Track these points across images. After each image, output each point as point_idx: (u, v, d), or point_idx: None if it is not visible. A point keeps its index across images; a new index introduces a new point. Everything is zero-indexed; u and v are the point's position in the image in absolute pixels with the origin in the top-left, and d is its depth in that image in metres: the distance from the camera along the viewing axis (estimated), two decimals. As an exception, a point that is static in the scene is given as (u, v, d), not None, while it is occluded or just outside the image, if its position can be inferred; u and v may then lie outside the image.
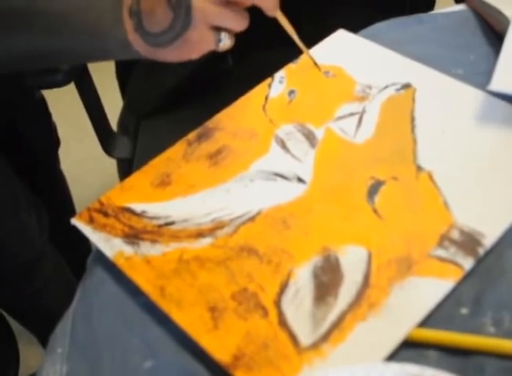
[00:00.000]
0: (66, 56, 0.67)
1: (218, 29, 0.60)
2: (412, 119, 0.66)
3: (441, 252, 0.54)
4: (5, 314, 1.14)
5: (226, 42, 0.62)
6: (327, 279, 0.54)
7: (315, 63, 0.73)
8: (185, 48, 0.61)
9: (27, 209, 1.03)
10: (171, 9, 0.58)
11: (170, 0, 0.58)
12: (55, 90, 0.98)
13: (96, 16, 0.62)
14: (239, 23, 0.60)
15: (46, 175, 1.23)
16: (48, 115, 1.19)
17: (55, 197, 1.29)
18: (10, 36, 0.63)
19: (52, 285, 1.16)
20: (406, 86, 0.70)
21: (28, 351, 1.32)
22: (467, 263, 0.53)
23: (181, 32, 0.59)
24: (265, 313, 0.52)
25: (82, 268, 0.62)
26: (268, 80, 0.74)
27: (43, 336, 1.27)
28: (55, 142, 1.23)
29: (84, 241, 1.29)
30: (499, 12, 0.74)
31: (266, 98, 0.72)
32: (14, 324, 1.18)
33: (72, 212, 1.32)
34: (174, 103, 1.01)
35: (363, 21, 0.80)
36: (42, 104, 1.17)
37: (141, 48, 0.62)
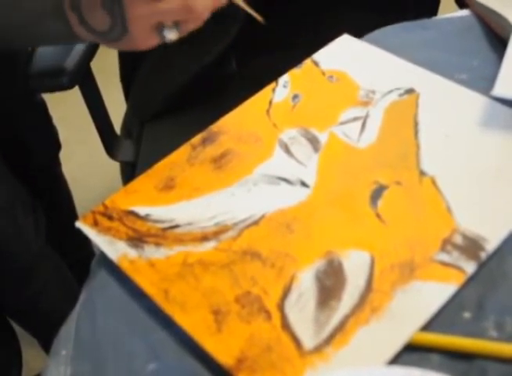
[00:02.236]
0: (12, 43, 0.68)
1: (161, 24, 0.60)
2: (416, 124, 0.66)
3: (443, 257, 0.54)
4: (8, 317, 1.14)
5: (171, 36, 0.60)
6: (330, 283, 0.54)
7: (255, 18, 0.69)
8: (131, 45, 0.62)
9: (24, 211, 1.03)
10: (107, 14, 0.58)
11: (104, 4, 0.58)
12: (59, 93, 0.98)
13: (40, 7, 0.62)
14: (180, 16, 0.58)
15: (46, 178, 1.24)
16: (48, 118, 1.19)
17: (56, 200, 1.29)
18: None
19: (51, 287, 1.16)
20: (410, 91, 0.70)
21: (30, 353, 1.32)
22: (470, 267, 0.53)
23: (121, 35, 0.60)
24: (269, 317, 0.52)
25: (84, 271, 0.63)
26: (273, 84, 0.74)
27: (43, 338, 1.27)
28: (56, 146, 1.23)
29: (86, 244, 1.30)
30: (503, 18, 0.74)
31: (270, 102, 0.72)
32: (16, 327, 1.19)
33: (73, 215, 1.32)
34: (178, 106, 1.02)
35: (367, 26, 0.80)
36: (42, 107, 1.17)
37: (88, 38, 0.62)
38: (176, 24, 0.60)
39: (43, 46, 0.70)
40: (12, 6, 0.63)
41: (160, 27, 0.60)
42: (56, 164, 1.26)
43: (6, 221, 0.99)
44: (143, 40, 0.61)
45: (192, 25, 0.61)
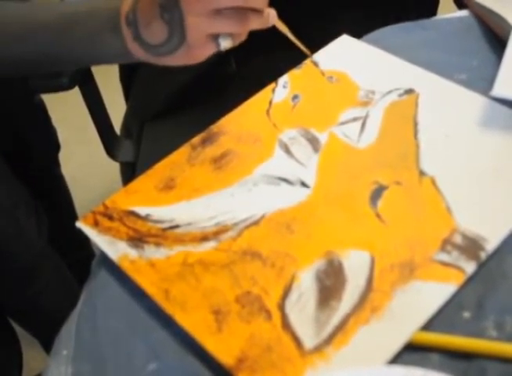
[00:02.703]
0: (65, 64, 0.68)
1: (215, 34, 0.60)
2: (415, 124, 0.67)
3: (443, 256, 0.54)
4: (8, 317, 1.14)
5: (226, 44, 0.61)
6: (330, 283, 0.54)
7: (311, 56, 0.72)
8: (186, 57, 0.62)
9: (26, 212, 1.03)
10: (165, 25, 0.59)
11: (163, 15, 0.58)
12: (59, 93, 0.98)
13: (95, 26, 0.62)
14: (236, 26, 0.60)
15: (46, 179, 1.24)
16: (47, 119, 1.19)
17: (56, 200, 1.29)
18: (10, 42, 0.64)
19: (52, 288, 1.16)
20: (409, 91, 0.70)
21: (31, 353, 1.32)
22: (469, 267, 0.53)
23: (178, 46, 0.60)
24: (269, 316, 0.52)
25: (84, 271, 0.63)
26: (272, 85, 0.74)
27: (43, 338, 1.27)
28: (55, 146, 1.23)
29: (86, 245, 1.30)
30: (502, 18, 0.74)
31: (270, 103, 0.72)
32: (17, 327, 1.19)
33: (73, 216, 1.32)
34: (178, 107, 1.02)
35: (367, 27, 0.80)
36: (41, 108, 1.17)
37: (141, 55, 0.62)
38: (231, 33, 0.61)
39: (95, 65, 0.71)
40: (67, 28, 0.64)
41: (215, 36, 0.61)
42: (56, 164, 1.26)
43: (8, 221, 0.99)
44: (199, 49, 0.61)
45: (244, 36, 0.62)
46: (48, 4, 0.66)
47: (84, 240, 0.62)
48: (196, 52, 0.61)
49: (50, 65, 0.68)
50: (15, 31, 0.64)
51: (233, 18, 0.59)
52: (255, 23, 0.60)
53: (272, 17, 0.62)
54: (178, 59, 0.62)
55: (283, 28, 0.66)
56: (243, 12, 0.59)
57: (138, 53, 0.62)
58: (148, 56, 0.62)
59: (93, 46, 0.64)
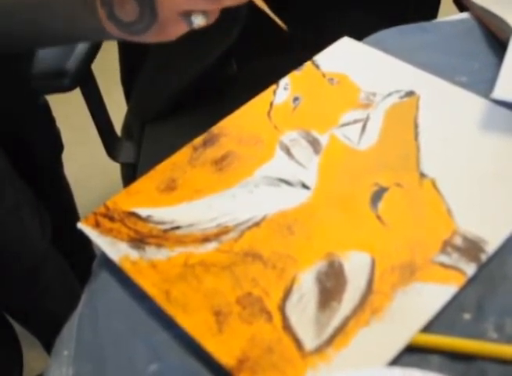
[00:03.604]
0: (43, 41, 0.70)
1: (188, 12, 0.60)
2: (416, 126, 0.67)
3: (444, 258, 0.55)
4: (8, 317, 1.14)
5: (199, 22, 0.61)
6: (331, 284, 0.54)
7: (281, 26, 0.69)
8: (159, 35, 0.62)
9: (30, 212, 1.04)
10: (137, 3, 0.59)
11: None
12: (60, 94, 0.98)
13: (71, 4, 0.63)
14: (208, 3, 0.59)
15: (49, 180, 1.24)
16: (51, 120, 1.19)
17: (59, 201, 1.29)
18: None
19: (55, 288, 1.17)
20: (410, 93, 0.70)
21: (31, 353, 1.32)
22: (470, 269, 0.53)
23: (150, 24, 0.60)
24: (270, 318, 0.52)
25: (86, 272, 0.63)
26: (273, 86, 0.74)
27: (45, 339, 1.27)
28: (59, 147, 1.23)
29: (88, 246, 1.30)
30: (503, 21, 0.74)
31: (271, 104, 0.72)
32: (17, 327, 1.19)
33: (75, 216, 1.32)
34: (179, 108, 1.02)
35: (367, 29, 0.81)
36: (45, 109, 1.17)
37: (116, 33, 0.63)
38: (203, 11, 0.60)
39: (71, 43, 0.72)
40: (42, 7, 0.64)
41: (187, 14, 0.60)
42: (59, 165, 1.26)
43: (13, 222, 0.99)
44: (172, 28, 0.61)
45: (217, 13, 0.61)
46: None
47: (86, 241, 0.62)
48: (169, 30, 0.62)
49: (26, 42, 0.69)
50: None
51: None
52: (229, 0, 0.59)
53: None
54: (151, 37, 0.62)
55: (261, 3, 0.64)
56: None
57: (113, 31, 0.63)
58: (122, 34, 0.63)
59: (69, 24, 0.65)
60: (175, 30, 0.62)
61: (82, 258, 1.21)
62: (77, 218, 0.62)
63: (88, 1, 0.62)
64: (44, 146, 1.16)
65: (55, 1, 0.64)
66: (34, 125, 1.13)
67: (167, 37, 0.63)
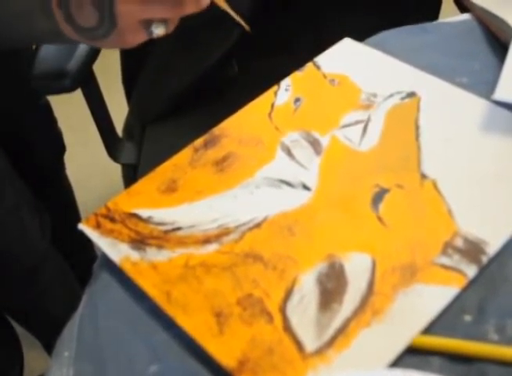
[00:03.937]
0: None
1: (148, 20, 0.59)
2: (417, 127, 0.67)
3: (444, 260, 0.54)
4: (9, 318, 1.15)
5: (159, 31, 0.60)
6: (332, 285, 0.54)
7: (239, 20, 0.68)
8: (118, 42, 0.61)
9: (29, 213, 1.04)
10: (96, 10, 0.58)
11: (94, 0, 0.57)
12: (61, 95, 0.98)
13: (25, 5, 0.62)
14: (169, 12, 0.58)
15: (51, 181, 1.24)
16: (53, 121, 1.19)
17: (60, 202, 1.29)
18: None
19: (55, 289, 1.17)
20: (411, 95, 0.70)
21: (32, 354, 1.32)
22: (471, 271, 0.53)
23: (109, 31, 0.59)
24: (270, 319, 0.52)
25: (86, 273, 0.63)
26: (275, 88, 0.74)
27: (45, 339, 1.28)
28: (61, 149, 1.23)
29: (88, 246, 1.31)
30: (504, 22, 0.74)
31: (272, 105, 0.72)
32: (18, 327, 1.19)
33: (76, 217, 1.32)
34: (180, 109, 1.02)
35: (369, 30, 0.81)
36: (47, 111, 1.17)
37: (75, 37, 0.62)
38: (164, 20, 0.60)
39: (29, 45, 0.70)
40: None
41: (147, 23, 0.60)
42: (61, 166, 1.26)
43: (12, 222, 0.99)
44: (131, 36, 0.60)
45: (176, 21, 0.61)
46: None
47: (87, 241, 0.62)
48: (128, 37, 0.61)
49: None
50: None
51: (167, 3, 0.58)
52: (190, 8, 0.58)
53: None
54: (110, 43, 0.61)
55: (221, 2, 0.63)
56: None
57: (72, 35, 0.61)
58: (82, 39, 0.62)
59: (24, 26, 0.63)
60: (134, 38, 0.61)
61: (82, 259, 1.22)
62: (78, 219, 0.62)
63: (43, 3, 0.60)
64: (45, 146, 1.16)
65: (9, 2, 0.62)
66: (35, 126, 1.13)
67: (126, 44, 0.62)
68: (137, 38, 0.61)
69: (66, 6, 0.59)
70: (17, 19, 0.63)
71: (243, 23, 0.67)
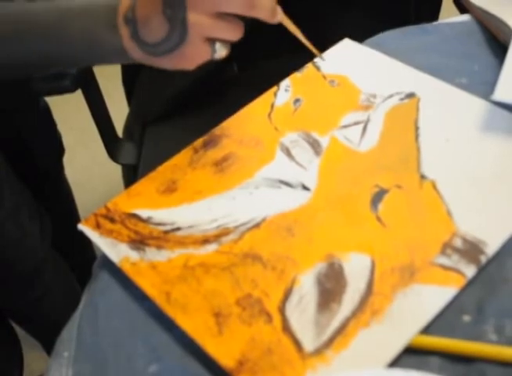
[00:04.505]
0: (63, 62, 0.67)
1: (212, 39, 0.60)
2: (416, 128, 0.67)
3: (443, 260, 0.55)
4: (9, 318, 1.15)
5: (221, 52, 0.61)
6: (331, 286, 0.54)
7: (321, 57, 0.73)
8: (181, 60, 0.61)
9: (30, 216, 1.04)
10: (166, 21, 0.57)
11: (165, 11, 0.57)
12: (61, 96, 0.98)
13: (92, 23, 0.61)
14: (234, 34, 0.59)
15: (50, 183, 1.24)
16: (52, 123, 1.19)
17: (60, 204, 1.29)
18: (6, 43, 0.64)
19: (55, 291, 1.17)
20: (410, 95, 0.71)
21: (32, 355, 1.32)
22: (470, 271, 0.53)
23: (176, 45, 0.59)
24: (269, 319, 0.53)
25: (86, 274, 0.63)
26: (274, 88, 0.75)
27: (46, 341, 1.28)
28: (60, 151, 1.23)
29: (88, 247, 1.31)
30: (503, 23, 0.75)
31: (272, 106, 0.72)
32: (18, 328, 1.19)
33: (76, 219, 1.32)
34: (180, 110, 1.02)
35: (368, 31, 0.81)
36: (47, 113, 1.17)
37: (137, 55, 0.61)
38: (227, 42, 0.60)
39: (91, 64, 0.69)
40: (60, 25, 0.62)
41: (213, 42, 0.60)
42: (60, 167, 1.26)
43: (13, 226, 0.99)
44: (195, 52, 0.60)
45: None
46: (42, 2, 0.65)
47: (87, 242, 0.62)
48: (192, 54, 0.60)
49: (43, 65, 0.67)
50: (7, 30, 0.63)
51: (234, 26, 0.58)
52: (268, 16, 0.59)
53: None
54: (172, 61, 0.61)
55: (294, 29, 0.65)
56: (241, 21, 0.58)
57: (135, 53, 0.61)
58: (144, 56, 0.61)
59: (88, 44, 0.62)
60: (197, 56, 0.60)
61: (82, 260, 1.22)
62: (77, 220, 0.62)
63: (110, 20, 0.60)
64: (44, 149, 1.16)
65: (74, 19, 0.62)
66: (34, 128, 1.13)
67: (187, 62, 0.61)
68: (200, 56, 0.60)
69: (133, 21, 0.59)
70: (82, 35, 0.62)
71: (313, 49, 0.68)
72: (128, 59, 0.63)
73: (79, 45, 0.63)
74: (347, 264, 0.56)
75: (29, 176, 1.08)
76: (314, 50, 0.69)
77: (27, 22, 0.63)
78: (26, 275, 1.07)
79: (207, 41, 0.59)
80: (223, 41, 0.60)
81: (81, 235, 0.62)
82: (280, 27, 0.66)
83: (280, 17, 0.62)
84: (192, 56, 0.60)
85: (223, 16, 0.57)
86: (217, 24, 0.58)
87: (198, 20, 0.57)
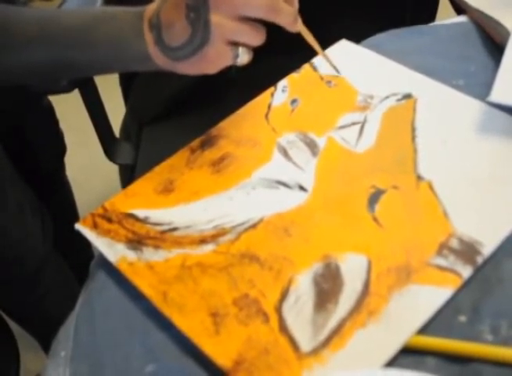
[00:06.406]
0: (87, 68, 0.67)
1: (235, 44, 0.60)
2: (413, 129, 0.67)
3: (440, 261, 0.55)
4: (6, 318, 1.14)
5: (244, 57, 0.61)
6: (328, 286, 0.54)
7: (337, 70, 0.74)
8: (203, 63, 0.60)
9: (32, 216, 1.04)
10: (189, 24, 0.58)
11: (188, 15, 0.57)
12: (58, 96, 0.98)
13: (118, 28, 0.62)
14: (257, 38, 0.59)
15: (52, 182, 1.24)
16: (55, 122, 1.19)
17: (60, 203, 1.29)
18: (31, 47, 0.64)
19: (56, 290, 1.17)
20: (407, 96, 0.71)
21: (28, 355, 1.32)
22: (466, 272, 0.54)
23: (199, 47, 0.59)
24: (266, 319, 0.53)
25: (85, 273, 0.63)
26: (271, 89, 0.75)
27: (45, 340, 1.27)
28: (62, 149, 1.23)
29: (87, 247, 1.31)
30: (500, 24, 0.75)
31: (269, 107, 0.72)
32: (15, 328, 1.19)
33: (75, 218, 1.32)
34: (177, 110, 1.02)
35: (365, 32, 0.81)
36: (49, 111, 1.18)
37: (160, 60, 0.61)
38: (250, 47, 0.60)
39: (115, 71, 0.69)
40: (87, 31, 0.63)
41: (235, 47, 0.60)
42: (62, 167, 1.27)
43: (15, 225, 0.99)
44: (217, 56, 0.59)
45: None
46: (69, 9, 0.65)
47: (86, 241, 0.62)
48: (213, 58, 0.60)
49: (67, 70, 0.67)
50: (32, 34, 0.63)
51: (256, 30, 0.58)
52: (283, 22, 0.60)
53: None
54: (193, 66, 0.61)
55: (311, 40, 0.66)
56: (263, 26, 0.59)
57: (158, 59, 0.61)
58: (167, 62, 0.61)
59: (114, 51, 0.63)
60: (219, 61, 0.60)
61: (81, 259, 1.22)
62: (77, 220, 0.62)
63: (136, 26, 0.61)
64: (47, 147, 1.17)
65: (101, 26, 0.62)
66: (37, 127, 1.13)
67: (208, 66, 0.61)
68: (222, 60, 0.60)
69: (158, 26, 0.59)
70: (108, 41, 0.62)
71: (330, 60, 0.69)
72: (151, 65, 0.63)
73: (104, 51, 0.63)
74: (343, 264, 0.56)
75: (31, 176, 1.08)
76: (331, 62, 0.69)
77: (54, 26, 0.63)
78: (27, 275, 1.07)
79: (229, 45, 0.59)
80: (245, 46, 0.60)
81: (81, 234, 0.62)
82: (277, 28, 0.66)
83: (300, 26, 0.62)
84: (215, 58, 0.60)
85: (246, 20, 0.57)
86: (239, 27, 0.58)
87: (221, 22, 0.57)
